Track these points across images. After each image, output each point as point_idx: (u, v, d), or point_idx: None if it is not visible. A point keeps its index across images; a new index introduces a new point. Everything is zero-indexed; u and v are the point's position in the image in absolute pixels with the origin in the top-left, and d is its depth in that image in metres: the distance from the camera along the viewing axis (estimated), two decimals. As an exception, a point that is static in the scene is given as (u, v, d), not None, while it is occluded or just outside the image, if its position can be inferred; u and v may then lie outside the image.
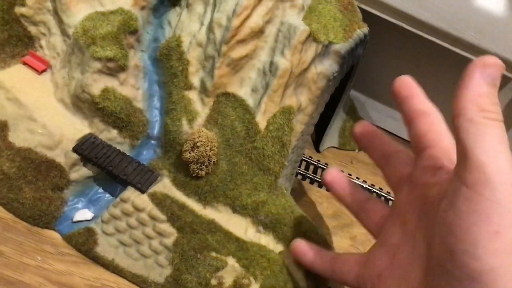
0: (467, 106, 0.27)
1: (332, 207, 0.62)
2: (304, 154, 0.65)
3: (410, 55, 0.68)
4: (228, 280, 0.46)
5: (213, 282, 0.46)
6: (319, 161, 0.66)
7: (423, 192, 0.34)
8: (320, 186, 0.64)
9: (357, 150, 0.71)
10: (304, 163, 0.66)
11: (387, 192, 0.66)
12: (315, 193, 0.63)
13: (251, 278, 0.47)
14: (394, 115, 0.75)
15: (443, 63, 0.66)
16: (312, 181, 0.64)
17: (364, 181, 0.66)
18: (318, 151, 0.69)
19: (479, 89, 0.27)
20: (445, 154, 0.33)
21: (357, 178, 0.67)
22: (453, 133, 0.28)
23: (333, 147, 0.71)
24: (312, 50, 0.51)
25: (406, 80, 0.36)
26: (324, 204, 0.62)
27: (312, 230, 0.50)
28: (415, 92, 0.35)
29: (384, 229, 0.39)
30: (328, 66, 0.52)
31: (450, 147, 0.33)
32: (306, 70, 0.51)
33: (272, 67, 0.50)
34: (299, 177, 0.64)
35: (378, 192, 0.66)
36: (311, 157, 0.66)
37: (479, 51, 0.57)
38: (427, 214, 0.33)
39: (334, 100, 0.63)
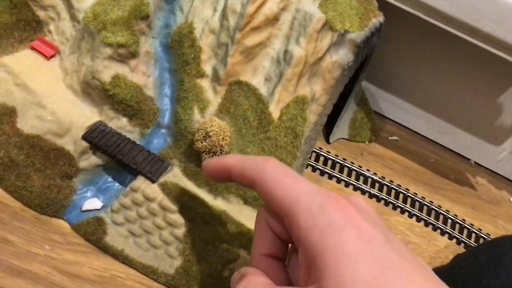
0: None
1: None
2: (314, 145, 0.64)
3: (424, 45, 0.67)
4: (240, 272, 0.45)
5: (225, 274, 0.45)
6: (329, 152, 0.65)
7: None
8: (330, 177, 0.63)
9: (367, 142, 0.70)
10: (314, 154, 0.65)
11: (398, 185, 0.65)
12: (325, 185, 0.62)
13: (263, 271, 0.46)
14: (405, 106, 0.74)
15: (459, 54, 0.65)
16: (322, 173, 0.63)
17: (375, 173, 0.65)
18: (328, 142, 0.68)
19: None
20: None
21: (367, 170, 0.66)
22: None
23: (343, 138, 0.70)
24: (327, 38, 0.50)
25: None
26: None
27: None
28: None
29: None
30: (343, 55, 0.51)
31: None
32: (321, 59, 0.50)
33: (286, 56, 0.49)
34: (309, 168, 0.63)
35: (389, 184, 0.65)
36: (321, 148, 0.66)
37: (497, 42, 0.56)
38: None
39: (345, 91, 0.61)
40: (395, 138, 0.73)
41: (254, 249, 0.33)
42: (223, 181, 0.35)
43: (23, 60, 0.51)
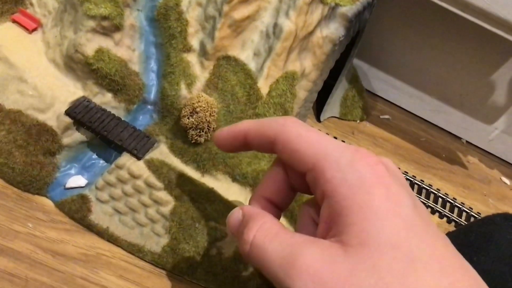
0: None
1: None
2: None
3: (417, 22, 0.65)
4: (228, 250, 0.45)
5: (212, 252, 0.44)
6: (319, 130, 0.64)
7: None
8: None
9: (358, 121, 0.70)
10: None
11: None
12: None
13: (251, 249, 0.45)
14: (397, 84, 0.73)
15: (452, 31, 0.64)
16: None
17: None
18: (318, 120, 0.67)
19: None
20: None
21: (358, 148, 0.65)
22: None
23: (334, 117, 0.69)
24: (318, 12, 0.48)
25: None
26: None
27: (313, 199, 0.48)
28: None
29: None
30: (334, 30, 0.50)
31: None
32: (311, 33, 0.49)
33: (276, 29, 0.47)
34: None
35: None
36: (312, 127, 0.64)
37: (490, 17, 0.55)
38: None
39: (337, 68, 0.60)
40: (386, 116, 0.72)
41: (258, 190, 0.32)
42: (237, 150, 0.33)
43: (4, 34, 0.50)
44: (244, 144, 0.32)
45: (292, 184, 0.31)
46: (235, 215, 0.30)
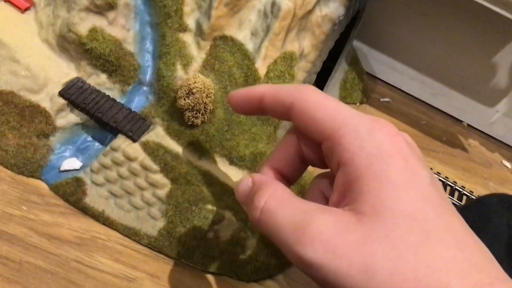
0: None
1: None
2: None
3: (418, 3, 0.64)
4: (225, 233, 0.44)
5: (209, 235, 0.44)
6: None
7: None
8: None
9: (358, 103, 0.69)
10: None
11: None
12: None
13: (249, 232, 0.45)
14: (397, 67, 0.72)
15: (453, 11, 0.62)
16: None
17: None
18: (318, 103, 0.66)
19: None
20: None
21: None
22: None
23: (334, 99, 0.68)
24: (317, -10, 0.47)
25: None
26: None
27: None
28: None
29: None
30: (333, 9, 0.48)
31: None
32: (310, 12, 0.48)
33: (274, 8, 0.46)
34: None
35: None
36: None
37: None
38: None
39: (336, 49, 0.59)
40: (386, 99, 0.71)
41: (268, 160, 0.31)
42: (252, 113, 0.32)
43: (-4, 13, 0.48)
44: (259, 108, 0.30)
45: (305, 156, 0.30)
46: (244, 183, 0.29)
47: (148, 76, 0.49)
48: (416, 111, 0.72)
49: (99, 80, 0.47)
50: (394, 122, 0.68)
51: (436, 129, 0.70)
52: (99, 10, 0.46)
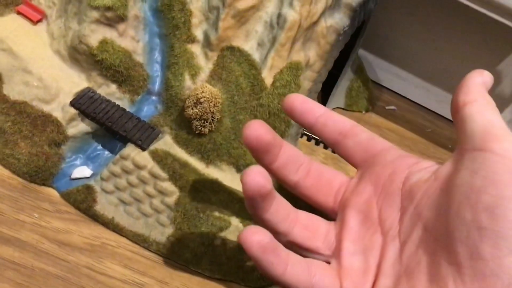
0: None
1: (338, 169, 0.60)
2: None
3: (423, 12, 0.65)
4: (232, 240, 0.45)
5: (217, 242, 0.45)
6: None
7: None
8: (325, 147, 0.62)
9: (364, 112, 0.69)
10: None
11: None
12: (321, 154, 0.61)
13: (255, 239, 0.46)
14: (403, 75, 0.72)
15: (458, 21, 0.63)
16: (317, 142, 0.62)
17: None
18: (324, 111, 0.67)
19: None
20: None
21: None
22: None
23: (339, 107, 0.68)
24: (322, 1, 0.48)
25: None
26: (330, 165, 0.60)
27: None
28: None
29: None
30: (338, 20, 0.49)
31: None
32: (315, 23, 0.49)
33: (280, 20, 0.47)
34: (304, 138, 0.62)
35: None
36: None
37: (496, 6, 0.55)
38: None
39: (341, 58, 0.60)
40: (392, 107, 0.72)
41: None
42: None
43: (9, 25, 0.50)
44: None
45: None
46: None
47: (157, 86, 0.50)
48: (422, 119, 0.72)
49: (109, 90, 0.49)
50: (399, 130, 0.69)
51: (441, 137, 0.71)
52: (110, 22, 0.47)
